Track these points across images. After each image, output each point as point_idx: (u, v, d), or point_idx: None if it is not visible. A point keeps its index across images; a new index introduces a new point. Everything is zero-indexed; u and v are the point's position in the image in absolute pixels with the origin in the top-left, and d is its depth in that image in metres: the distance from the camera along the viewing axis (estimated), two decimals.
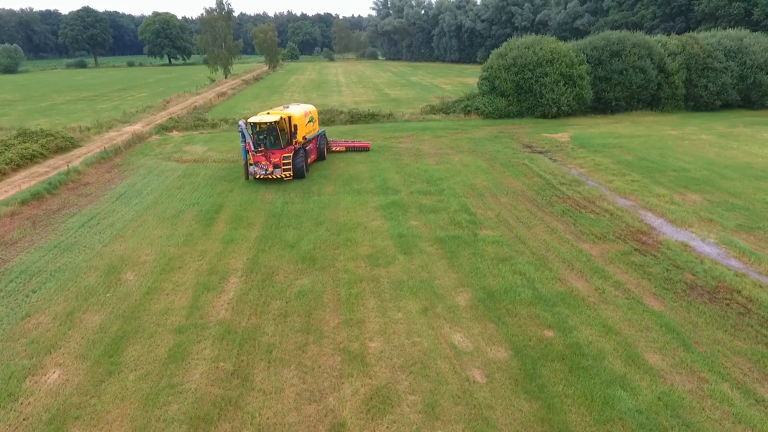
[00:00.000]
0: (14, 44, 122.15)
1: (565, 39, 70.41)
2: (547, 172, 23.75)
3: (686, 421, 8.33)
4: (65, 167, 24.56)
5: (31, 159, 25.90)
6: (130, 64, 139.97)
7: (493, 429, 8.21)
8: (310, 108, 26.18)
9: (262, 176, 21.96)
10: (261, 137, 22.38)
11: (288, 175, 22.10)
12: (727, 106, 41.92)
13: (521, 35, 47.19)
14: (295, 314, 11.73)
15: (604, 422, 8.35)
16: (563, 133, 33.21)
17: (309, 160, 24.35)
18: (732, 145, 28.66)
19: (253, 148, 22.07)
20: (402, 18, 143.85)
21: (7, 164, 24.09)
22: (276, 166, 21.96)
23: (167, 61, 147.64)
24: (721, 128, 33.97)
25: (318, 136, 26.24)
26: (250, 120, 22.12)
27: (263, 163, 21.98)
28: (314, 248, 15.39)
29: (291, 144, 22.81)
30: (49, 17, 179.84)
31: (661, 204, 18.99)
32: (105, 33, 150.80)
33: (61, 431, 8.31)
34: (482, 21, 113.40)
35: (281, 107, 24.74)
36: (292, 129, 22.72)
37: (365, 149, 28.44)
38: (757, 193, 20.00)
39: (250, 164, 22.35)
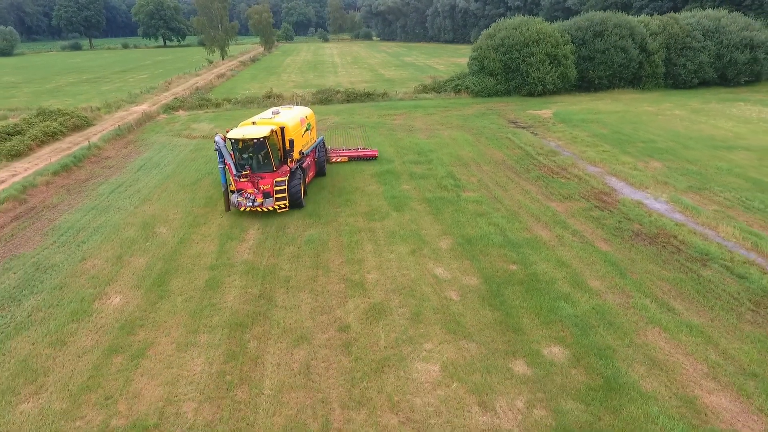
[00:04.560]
0: (9, 27, 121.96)
1: (557, 18, 72.01)
2: (528, 145, 26.10)
3: (610, 322, 10.89)
4: (86, 143, 26.71)
5: (52, 136, 28.00)
6: (125, 46, 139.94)
7: (462, 328, 10.75)
8: (306, 112, 20.95)
9: (249, 209, 16.76)
10: (246, 156, 17.17)
11: (283, 206, 16.93)
12: (705, 83, 44.10)
13: (514, 15, 48.95)
14: (306, 256, 14.20)
15: (549, 323, 10.90)
16: (547, 109, 35.46)
17: (306, 179, 19.16)
18: (701, 120, 31.02)
19: (235, 172, 16.90)
20: None
21: (32, 140, 26.22)
22: (266, 195, 16.80)
23: (162, 43, 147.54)
24: (695, 104, 36.27)
25: (316, 146, 21.12)
26: (229, 134, 16.69)
27: (249, 191, 16.85)
28: (319, 207, 17.81)
29: (285, 163, 17.81)
30: None
31: (625, 170, 21.43)
32: (99, 15, 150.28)
33: (132, 333, 10.80)
34: (476, 1, 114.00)
35: (270, 113, 19.24)
36: (287, 145, 17.55)
37: (372, 158, 23.71)
38: (711, 161, 22.44)
39: (232, 192, 17.28)
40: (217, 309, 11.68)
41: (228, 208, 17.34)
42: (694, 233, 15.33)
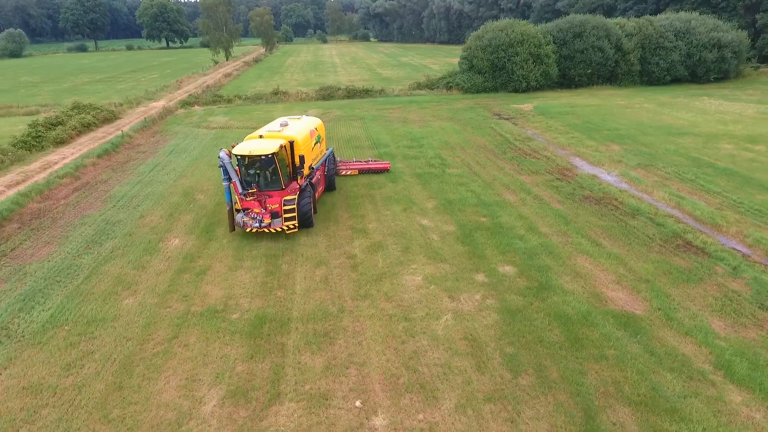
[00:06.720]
0: (18, 29, 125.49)
1: (547, 20, 75.79)
2: (507, 133, 29.80)
3: (551, 252, 14.54)
4: (119, 132, 30.31)
5: (87, 127, 31.62)
6: (129, 48, 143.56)
7: (440, 256, 14.40)
8: (315, 123, 19.70)
9: (256, 229, 15.61)
10: (252, 173, 16.08)
11: (293, 226, 15.69)
12: (677, 80, 47.85)
13: (507, 17, 52.80)
14: (320, 213, 17.83)
15: (505, 253, 14.54)
16: (529, 104, 39.17)
17: (316, 195, 18.03)
18: (665, 111, 34.73)
19: (240, 190, 15.71)
20: (393, 0, 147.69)
21: (72, 130, 29.83)
22: (274, 214, 15.68)
23: (165, 44, 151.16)
24: (664, 99, 39.99)
25: (326, 159, 19.86)
26: (235, 150, 15.65)
27: (256, 210, 15.72)
28: None
29: (294, 180, 16.76)
30: (45, 1, 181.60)
31: (588, 152, 25.11)
32: (104, 17, 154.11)
33: (193, 261, 14.43)
34: (470, 3, 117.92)
35: (277, 125, 17.99)
36: (297, 160, 16.34)
37: (384, 171, 22.53)
38: (663, 144, 26.13)
39: (237, 210, 16.07)
40: (254, 246, 15.30)
41: (233, 228, 16.22)
42: (633, 197, 18.99)
